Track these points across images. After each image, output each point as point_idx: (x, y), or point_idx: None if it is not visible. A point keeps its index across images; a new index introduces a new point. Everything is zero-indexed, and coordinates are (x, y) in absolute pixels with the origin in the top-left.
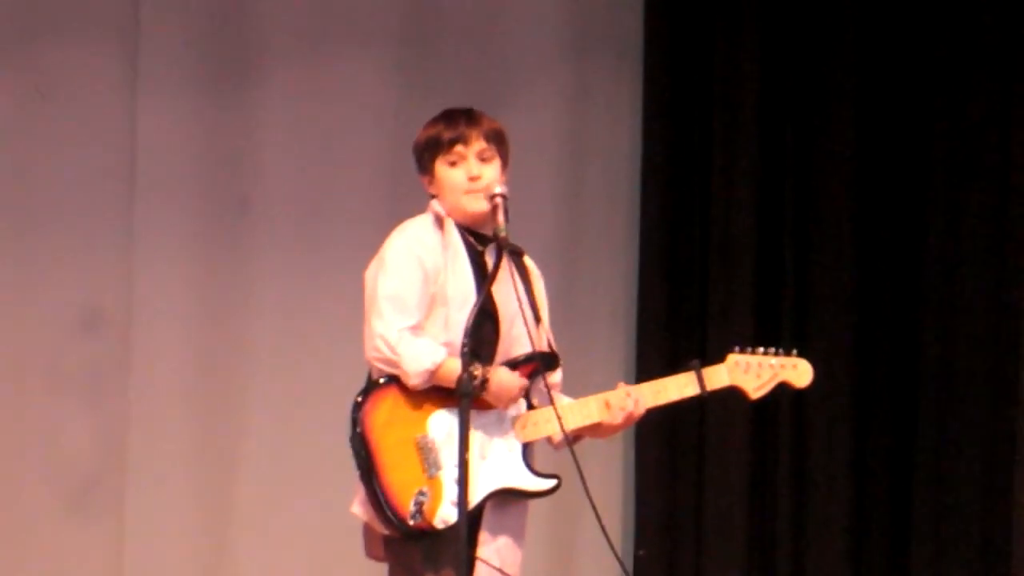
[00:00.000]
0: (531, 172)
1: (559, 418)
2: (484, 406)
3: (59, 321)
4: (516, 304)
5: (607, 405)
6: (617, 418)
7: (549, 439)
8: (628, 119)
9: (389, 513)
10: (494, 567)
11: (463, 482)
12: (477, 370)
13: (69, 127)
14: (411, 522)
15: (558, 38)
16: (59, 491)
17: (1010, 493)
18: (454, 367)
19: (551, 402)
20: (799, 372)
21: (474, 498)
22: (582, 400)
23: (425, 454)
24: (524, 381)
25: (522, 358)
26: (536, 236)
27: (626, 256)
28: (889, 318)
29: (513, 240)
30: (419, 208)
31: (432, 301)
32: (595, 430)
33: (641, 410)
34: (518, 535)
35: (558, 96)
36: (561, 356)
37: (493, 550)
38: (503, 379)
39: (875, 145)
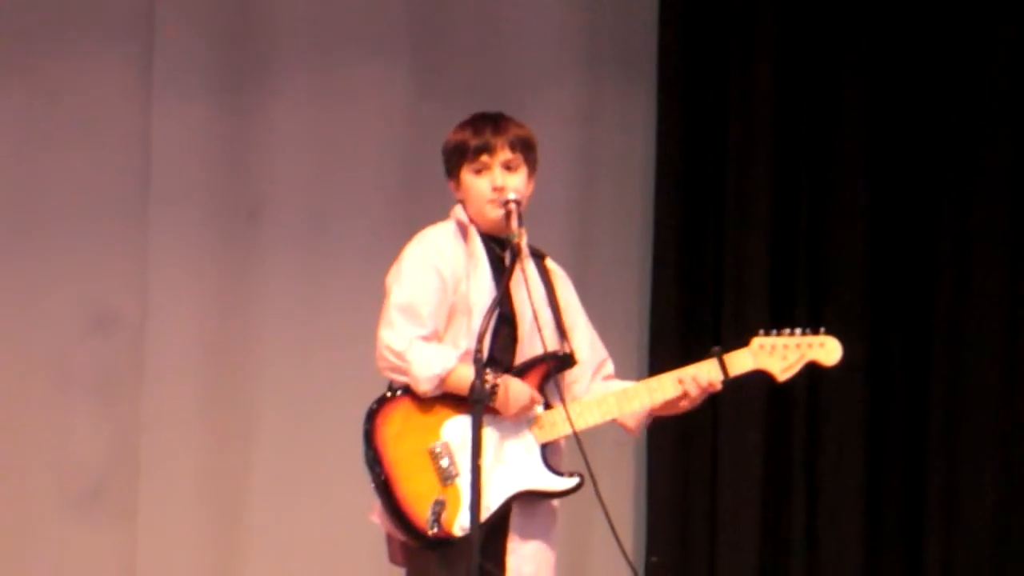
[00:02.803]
0: (543, 182)
1: (570, 419)
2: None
3: (73, 324)
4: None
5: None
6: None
7: (624, 425)
8: (641, 130)
9: (408, 524)
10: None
11: (476, 488)
12: (489, 377)
13: (84, 132)
14: (430, 532)
15: (572, 49)
16: (71, 494)
17: None
18: (465, 374)
19: (562, 402)
20: (827, 350)
21: (494, 503)
22: (601, 396)
23: (439, 462)
24: (535, 393)
25: (533, 360)
26: (549, 244)
27: (639, 263)
28: (903, 322)
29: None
30: (431, 214)
31: (453, 310)
32: (671, 406)
33: (659, 400)
34: (548, 537)
35: (571, 106)
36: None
37: (525, 555)
38: (514, 388)
39: (888, 158)
